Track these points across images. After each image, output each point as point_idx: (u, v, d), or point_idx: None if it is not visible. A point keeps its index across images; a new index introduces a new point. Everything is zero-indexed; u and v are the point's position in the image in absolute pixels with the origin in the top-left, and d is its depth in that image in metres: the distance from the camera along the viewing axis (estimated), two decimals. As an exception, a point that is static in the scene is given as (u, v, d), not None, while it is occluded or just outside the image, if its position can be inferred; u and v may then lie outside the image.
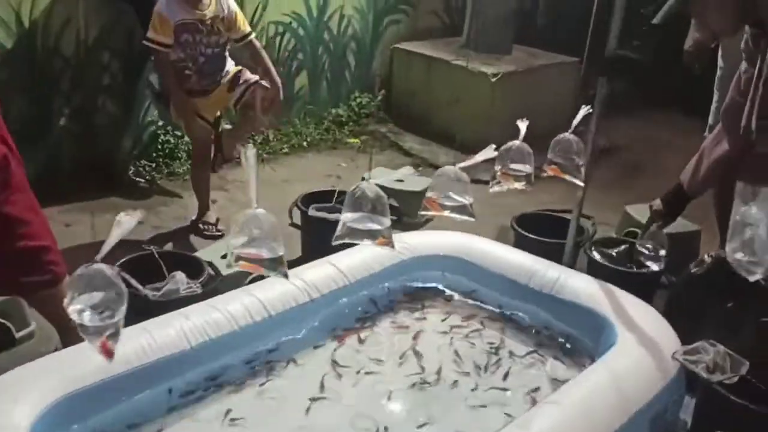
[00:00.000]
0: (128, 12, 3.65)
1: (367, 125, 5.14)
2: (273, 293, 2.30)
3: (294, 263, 2.52)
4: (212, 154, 3.46)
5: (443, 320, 2.47)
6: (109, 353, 1.40)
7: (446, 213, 2.05)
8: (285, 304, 2.29)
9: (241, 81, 3.31)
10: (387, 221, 1.84)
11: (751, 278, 1.92)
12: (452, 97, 4.90)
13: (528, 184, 2.23)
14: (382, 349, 2.29)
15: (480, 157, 2.06)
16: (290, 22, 4.58)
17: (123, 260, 2.54)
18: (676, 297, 2.70)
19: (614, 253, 2.91)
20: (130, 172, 3.93)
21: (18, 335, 2.47)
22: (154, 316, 2.11)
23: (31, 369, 1.81)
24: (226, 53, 3.33)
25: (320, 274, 2.43)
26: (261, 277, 2.67)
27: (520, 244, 2.99)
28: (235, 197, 3.95)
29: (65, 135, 3.70)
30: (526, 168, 2.22)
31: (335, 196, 3.10)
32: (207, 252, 2.85)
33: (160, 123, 4.01)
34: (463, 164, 2.04)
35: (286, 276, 1.71)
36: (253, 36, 3.35)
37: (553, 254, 2.72)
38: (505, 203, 3.65)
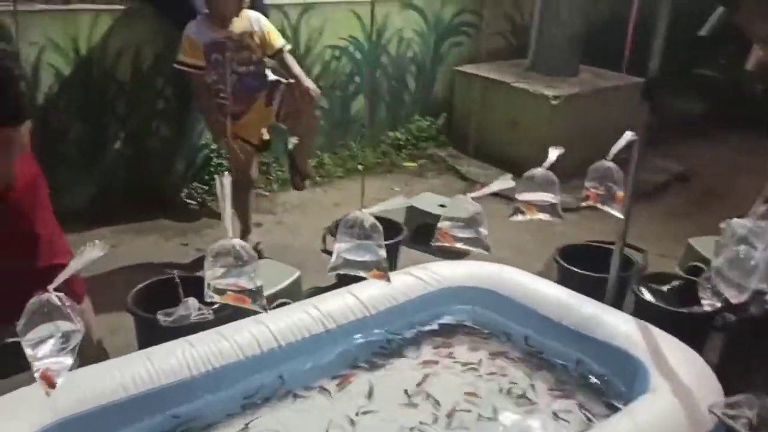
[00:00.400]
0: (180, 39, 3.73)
1: (425, 149, 5.06)
2: (285, 323, 2.24)
3: (326, 291, 2.47)
4: (255, 175, 3.47)
5: (466, 358, 2.33)
6: (51, 384, 1.35)
7: (458, 245, 1.93)
8: (296, 334, 2.22)
9: (276, 92, 3.31)
10: (382, 252, 1.74)
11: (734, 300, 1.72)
12: (511, 121, 4.75)
13: (554, 215, 2.08)
14: (397, 386, 2.17)
15: (495, 186, 1.93)
16: (347, 47, 4.57)
17: (147, 283, 2.56)
18: (731, 342, 2.45)
19: (665, 290, 2.69)
20: (183, 194, 3.99)
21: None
22: (165, 341, 2.10)
23: (29, 390, 1.81)
24: (265, 72, 3.33)
25: (338, 304, 2.35)
26: (289, 301, 2.67)
27: (564, 277, 2.82)
28: (282, 220, 3.95)
29: (120, 158, 3.80)
30: (550, 198, 2.07)
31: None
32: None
33: (213, 146, 4.06)
34: (475, 194, 1.92)
35: (265, 309, 1.64)
36: (286, 49, 3.34)
37: (599, 289, 2.54)
38: (560, 232, 3.48)
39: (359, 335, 2.34)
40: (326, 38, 4.44)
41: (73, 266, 1.36)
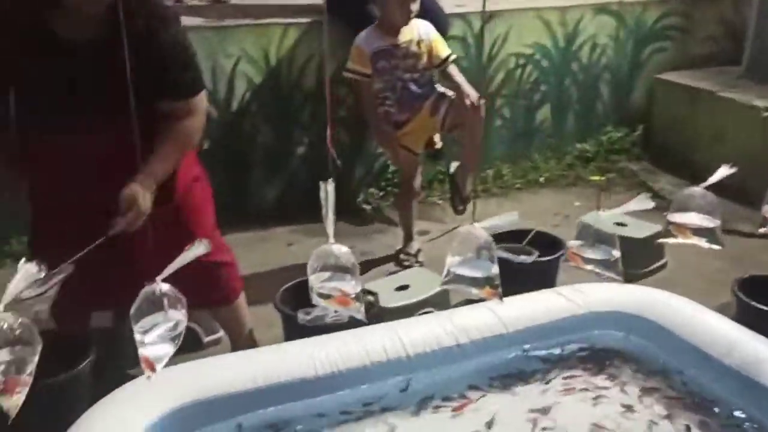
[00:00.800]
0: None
1: (617, 162, 4.74)
2: (417, 332, 2.21)
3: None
4: (418, 184, 3.48)
5: (607, 389, 2.14)
6: (152, 369, 1.43)
7: (587, 267, 1.77)
8: (426, 345, 2.19)
9: (441, 103, 3.29)
10: (494, 268, 1.65)
11: None
12: (716, 134, 4.28)
13: (713, 242, 1.83)
14: (521, 413, 2.04)
15: (633, 205, 1.74)
16: (533, 54, 4.43)
17: (298, 281, 2.66)
18: None
19: None
20: (359, 199, 4.12)
21: (206, 340, 2.71)
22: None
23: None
24: (430, 81, 3.32)
25: (473, 318, 2.28)
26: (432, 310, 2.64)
27: (742, 312, 2.48)
28: (449, 229, 3.92)
29: (302, 163, 4.02)
30: (708, 221, 1.82)
31: (528, 236, 2.89)
32: (383, 282, 2.86)
33: (391, 153, 4.15)
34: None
35: (363, 316, 1.62)
36: (452, 59, 3.30)
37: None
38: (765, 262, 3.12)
39: (492, 353, 2.24)
40: (511, 45, 4.33)
41: (179, 261, 1.45)
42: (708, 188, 1.89)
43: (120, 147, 1.63)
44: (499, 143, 4.51)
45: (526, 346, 2.26)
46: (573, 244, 1.80)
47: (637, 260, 3.25)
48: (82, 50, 1.86)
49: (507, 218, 1.76)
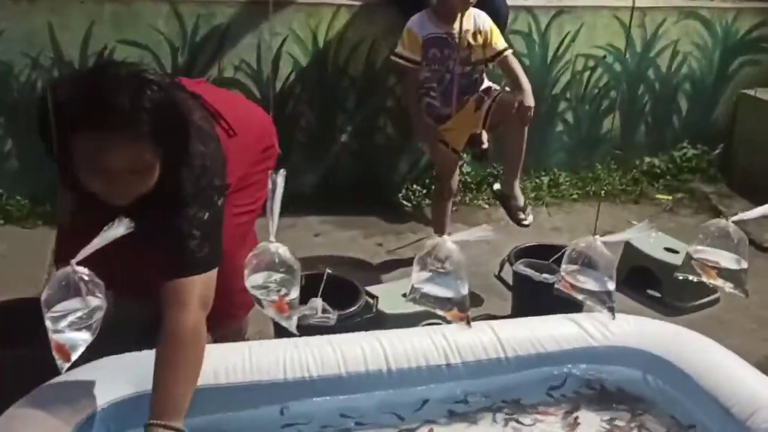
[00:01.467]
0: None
1: (688, 182, 4.35)
2: (404, 346, 2.02)
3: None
4: (455, 185, 3.27)
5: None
6: (66, 358, 1.33)
7: (578, 297, 1.53)
8: (412, 360, 1.99)
9: (486, 98, 3.06)
10: (464, 289, 1.44)
11: None
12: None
13: (738, 288, 1.55)
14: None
15: (631, 233, 1.49)
16: (604, 56, 4.10)
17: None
18: None
19: None
20: (400, 194, 3.94)
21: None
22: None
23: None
24: (479, 76, 3.10)
25: (470, 337, 2.06)
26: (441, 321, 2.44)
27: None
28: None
29: (345, 151, 3.87)
30: (735, 263, 1.55)
31: (559, 253, 2.62)
32: (395, 285, 2.67)
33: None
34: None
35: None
36: (508, 52, 3.06)
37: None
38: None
39: (484, 377, 2.02)
40: (579, 45, 4.03)
41: (97, 242, 1.32)
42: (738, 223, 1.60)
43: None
44: (558, 149, 4.23)
45: (523, 374, 2.03)
46: (567, 268, 1.56)
47: (684, 292, 2.94)
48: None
49: (479, 232, 1.55)
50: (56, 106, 1.32)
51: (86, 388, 1.70)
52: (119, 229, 1.31)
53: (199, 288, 1.53)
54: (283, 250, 1.43)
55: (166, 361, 1.48)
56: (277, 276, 1.44)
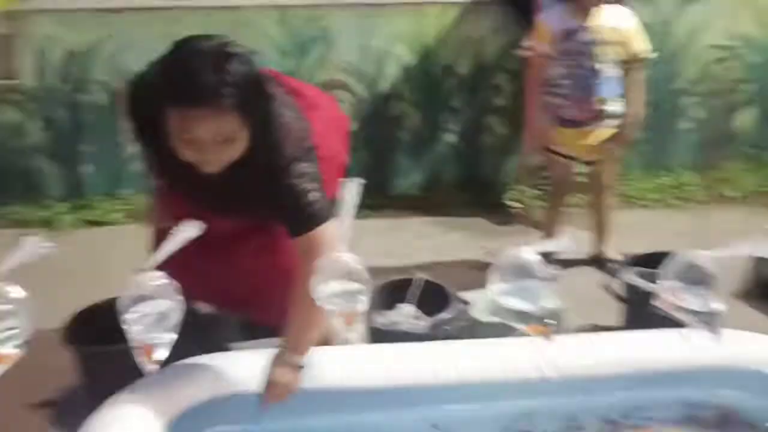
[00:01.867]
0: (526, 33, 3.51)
1: None
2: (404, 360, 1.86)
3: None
4: (571, 186, 3.08)
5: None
6: (152, 362, 1.35)
7: (677, 315, 1.37)
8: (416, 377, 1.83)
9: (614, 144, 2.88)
10: (549, 302, 1.32)
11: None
12: None
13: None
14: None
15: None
16: (737, 47, 3.76)
17: (393, 280, 2.46)
18: None
19: None
20: (508, 195, 3.80)
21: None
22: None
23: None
24: (612, 78, 2.83)
25: (513, 353, 1.89)
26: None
27: None
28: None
29: (451, 151, 3.79)
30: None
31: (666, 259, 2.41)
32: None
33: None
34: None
35: (355, 339, 1.38)
36: (647, 57, 2.81)
37: None
38: None
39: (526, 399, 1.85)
40: (709, 36, 3.71)
41: (168, 247, 1.32)
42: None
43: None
44: (683, 148, 3.93)
45: (618, 395, 1.86)
46: (667, 284, 1.39)
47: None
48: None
49: (562, 243, 1.41)
50: (147, 85, 1.47)
51: (181, 384, 1.74)
52: (191, 231, 1.31)
53: (327, 236, 1.56)
54: (354, 261, 1.37)
55: (305, 306, 1.55)
56: (348, 286, 1.38)
